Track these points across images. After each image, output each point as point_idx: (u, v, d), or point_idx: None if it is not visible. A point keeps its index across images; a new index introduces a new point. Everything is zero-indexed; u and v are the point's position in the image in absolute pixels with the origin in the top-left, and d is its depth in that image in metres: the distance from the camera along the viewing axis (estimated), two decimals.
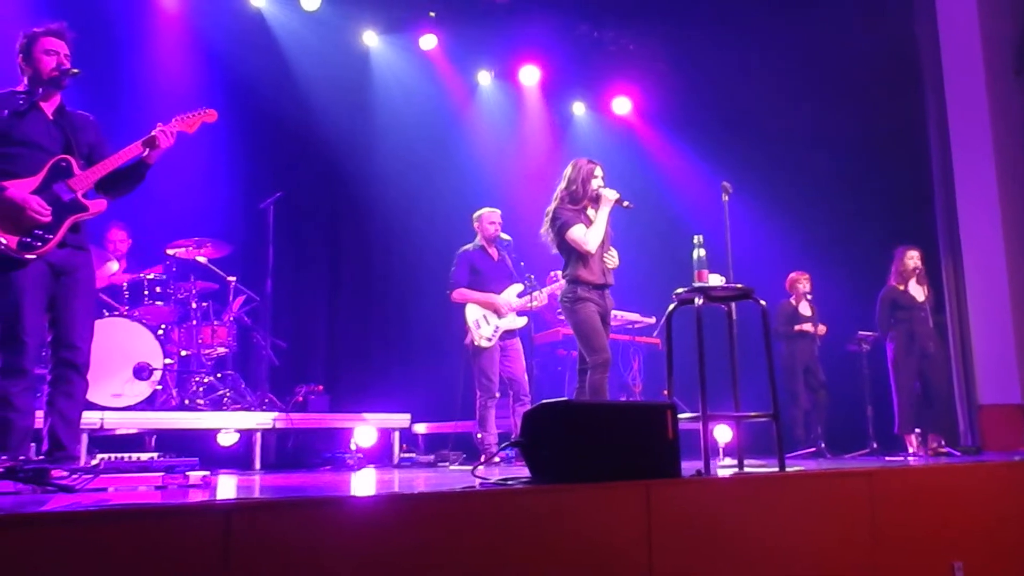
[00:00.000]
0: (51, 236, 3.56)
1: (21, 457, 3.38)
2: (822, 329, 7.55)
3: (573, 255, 4.92)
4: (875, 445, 6.98)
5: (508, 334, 6.15)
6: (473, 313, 6.08)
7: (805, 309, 7.64)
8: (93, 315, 3.84)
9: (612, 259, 5.03)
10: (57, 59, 3.69)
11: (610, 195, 4.90)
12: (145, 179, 3.89)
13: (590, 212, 4.95)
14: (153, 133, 3.77)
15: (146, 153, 3.78)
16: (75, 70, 3.70)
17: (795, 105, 8.50)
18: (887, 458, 5.94)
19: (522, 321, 6.20)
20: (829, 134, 8.47)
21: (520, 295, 6.18)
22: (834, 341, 7.64)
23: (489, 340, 6.02)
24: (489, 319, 6.08)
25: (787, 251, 8.30)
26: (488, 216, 6.33)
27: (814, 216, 8.51)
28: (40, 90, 3.68)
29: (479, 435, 6.06)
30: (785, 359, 7.51)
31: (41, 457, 3.59)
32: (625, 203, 4.92)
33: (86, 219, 3.70)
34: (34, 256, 3.52)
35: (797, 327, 7.52)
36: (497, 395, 6.05)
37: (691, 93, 9.17)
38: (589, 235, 4.85)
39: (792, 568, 3.04)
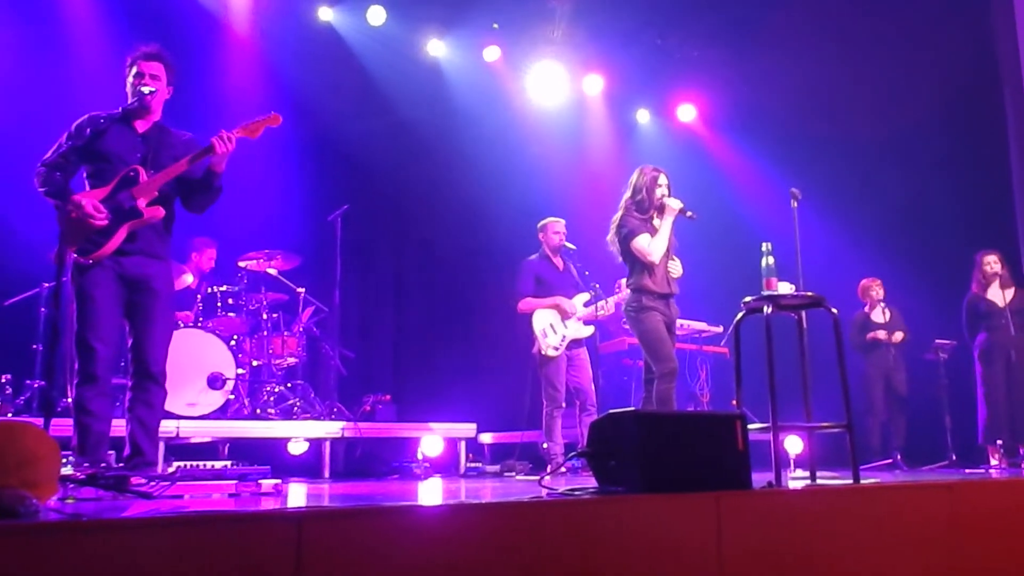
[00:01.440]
0: (104, 240, 3.66)
1: (102, 464, 3.50)
2: (897, 336, 7.27)
3: (638, 264, 4.90)
4: (954, 457, 6.75)
5: (575, 343, 6.13)
6: (540, 322, 6.07)
7: (878, 316, 7.41)
8: (171, 325, 3.96)
9: (676, 269, 4.99)
10: (142, 80, 3.86)
11: (674, 205, 4.89)
12: (223, 189, 3.97)
13: (656, 221, 4.93)
14: (212, 140, 3.83)
15: (212, 161, 3.85)
16: (147, 88, 3.83)
17: (866, 108, 8.30)
18: (967, 470, 5.74)
19: (588, 330, 6.17)
20: (903, 137, 8.26)
21: (586, 304, 6.15)
22: (911, 350, 7.41)
23: (556, 349, 6.01)
24: (556, 328, 6.06)
25: (860, 258, 8.09)
26: (552, 225, 6.33)
27: (888, 221, 8.29)
28: (130, 110, 3.86)
29: (545, 445, 6.04)
30: (862, 368, 7.31)
31: (120, 464, 3.70)
32: (688, 213, 4.90)
33: (143, 225, 3.77)
34: (91, 260, 3.64)
35: (869, 335, 7.31)
36: (563, 405, 6.03)
37: (757, 99, 9.02)
38: (653, 245, 4.83)
39: None
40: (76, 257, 3.62)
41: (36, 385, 5.57)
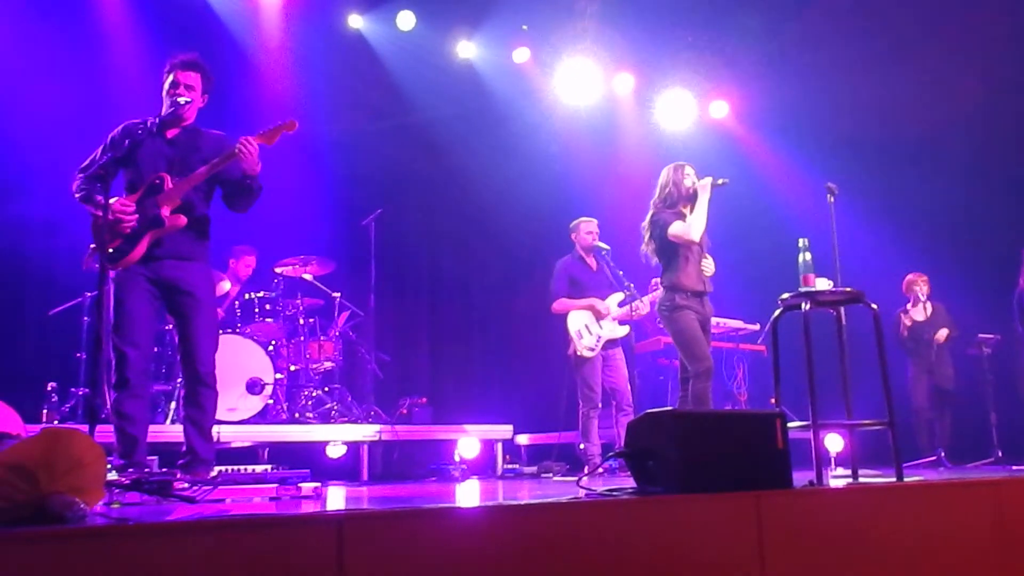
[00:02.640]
0: (129, 248, 3.73)
1: (145, 469, 3.56)
2: (941, 334, 7.13)
3: (672, 262, 4.88)
4: (1000, 454, 6.62)
5: (610, 344, 6.10)
6: (575, 323, 6.06)
7: (919, 314, 7.30)
8: (215, 328, 4.01)
9: (709, 267, 4.97)
10: (178, 89, 3.92)
11: (704, 182, 4.90)
12: (262, 188, 3.99)
13: (685, 212, 4.92)
14: (235, 146, 3.85)
15: (244, 167, 3.86)
16: (183, 99, 3.89)
17: (905, 101, 8.17)
18: (1013, 467, 5.62)
19: (624, 330, 6.14)
20: (945, 131, 8.11)
21: (620, 304, 6.13)
22: (954, 345, 7.29)
23: (592, 350, 5.99)
24: (591, 329, 6.05)
25: (898, 253, 7.97)
26: (585, 225, 6.31)
27: (928, 216, 8.17)
28: (165, 118, 3.92)
29: (582, 446, 6.02)
30: (905, 365, 7.19)
31: (166, 468, 3.77)
32: (720, 181, 4.93)
33: (166, 233, 3.81)
34: (118, 267, 3.70)
35: (903, 325, 7.18)
36: (600, 405, 6.01)
37: (791, 94, 8.92)
38: (692, 223, 4.82)
39: None
40: (106, 265, 3.67)
41: (80, 392, 5.67)
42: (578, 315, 6.07)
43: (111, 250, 3.69)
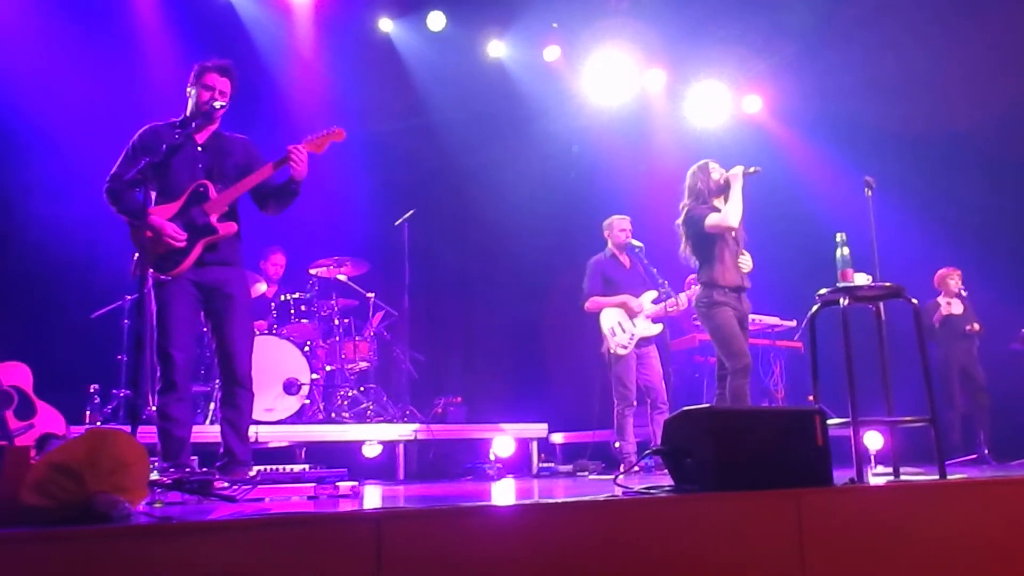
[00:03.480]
0: (183, 258, 3.77)
1: (186, 469, 3.60)
2: (976, 326, 7.05)
3: (709, 257, 4.85)
4: None
5: (644, 341, 6.07)
6: (608, 321, 6.04)
7: (957, 307, 7.19)
8: (250, 329, 4.06)
9: (746, 263, 4.93)
10: (212, 94, 3.91)
11: (735, 171, 4.88)
12: (299, 194, 4.04)
13: (719, 205, 4.89)
14: (286, 154, 3.92)
15: (291, 172, 3.92)
16: (218, 104, 3.89)
17: (943, 94, 8.03)
18: None
19: (657, 328, 6.11)
20: (982, 124, 7.96)
21: (655, 302, 6.09)
22: (995, 341, 7.16)
23: (625, 348, 5.96)
24: (624, 326, 6.02)
25: (937, 247, 7.84)
26: (618, 223, 6.29)
27: (969, 208, 8.02)
28: (194, 122, 3.91)
29: (617, 444, 6.00)
30: (939, 361, 7.09)
31: (210, 468, 3.82)
32: (751, 169, 4.88)
33: (218, 240, 3.86)
34: (169, 277, 3.74)
35: (938, 314, 7.08)
36: (635, 403, 5.98)
37: (825, 87, 8.81)
38: (727, 212, 4.79)
39: None
40: (154, 273, 3.72)
41: (122, 394, 5.76)
42: (611, 313, 6.05)
43: (162, 258, 3.73)
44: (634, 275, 6.22)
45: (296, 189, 3.99)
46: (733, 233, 4.89)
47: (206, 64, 3.97)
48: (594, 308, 6.12)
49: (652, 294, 6.11)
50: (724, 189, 4.90)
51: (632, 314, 6.05)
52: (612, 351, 5.99)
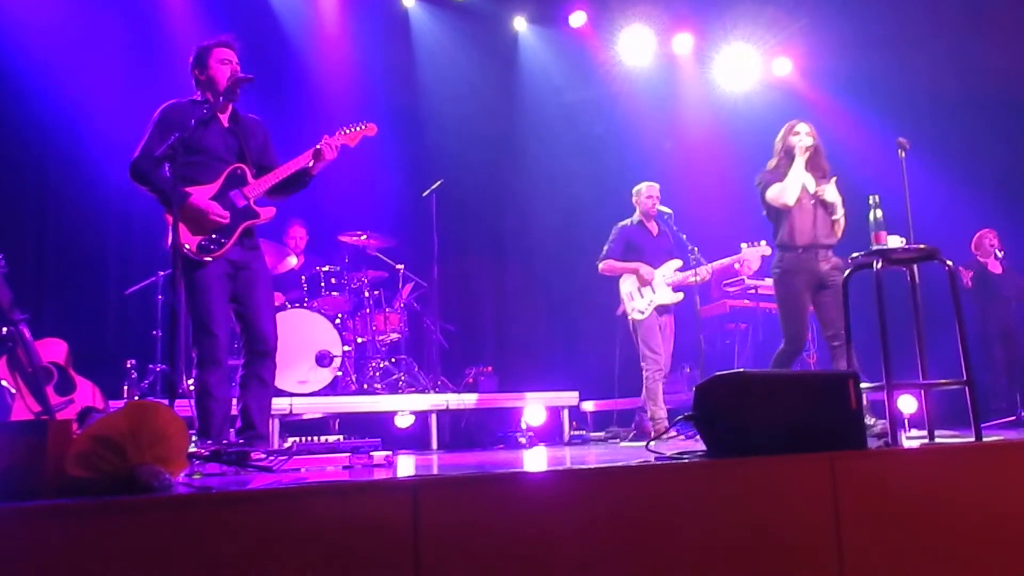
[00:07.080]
0: (226, 240, 3.79)
1: (224, 441, 3.65)
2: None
3: (779, 219, 4.85)
4: None
5: (663, 309, 6.01)
6: (626, 286, 6.02)
7: (995, 268, 7.09)
8: (273, 303, 4.09)
9: (838, 219, 4.85)
10: (231, 67, 3.87)
11: (803, 144, 4.82)
12: (308, 186, 4.08)
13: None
14: (319, 146, 3.94)
15: (311, 164, 3.97)
16: (249, 76, 3.85)
17: (977, 55, 7.84)
18: None
19: (677, 296, 6.01)
20: (1016, 82, 7.78)
21: (680, 270, 6.04)
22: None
23: (642, 313, 5.92)
24: (643, 292, 5.98)
25: (972, 208, 7.70)
26: (647, 190, 6.22)
27: (1004, 169, 7.86)
28: (219, 100, 3.88)
29: (648, 411, 5.98)
30: (977, 323, 6.99)
31: (234, 437, 3.84)
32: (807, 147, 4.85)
33: (256, 224, 3.90)
34: (211, 259, 3.76)
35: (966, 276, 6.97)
36: (663, 368, 5.94)
37: (857, 49, 8.64)
38: (785, 188, 4.76)
39: (993, 545, 2.84)
40: (194, 253, 3.74)
41: (158, 369, 5.86)
42: (630, 278, 6.03)
43: (204, 241, 3.74)
44: (661, 243, 6.16)
45: (308, 181, 4.03)
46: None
47: (208, 43, 3.90)
48: (607, 271, 6.09)
49: (676, 263, 6.04)
50: (789, 154, 4.87)
51: (643, 283, 5.98)
52: (629, 315, 5.97)
